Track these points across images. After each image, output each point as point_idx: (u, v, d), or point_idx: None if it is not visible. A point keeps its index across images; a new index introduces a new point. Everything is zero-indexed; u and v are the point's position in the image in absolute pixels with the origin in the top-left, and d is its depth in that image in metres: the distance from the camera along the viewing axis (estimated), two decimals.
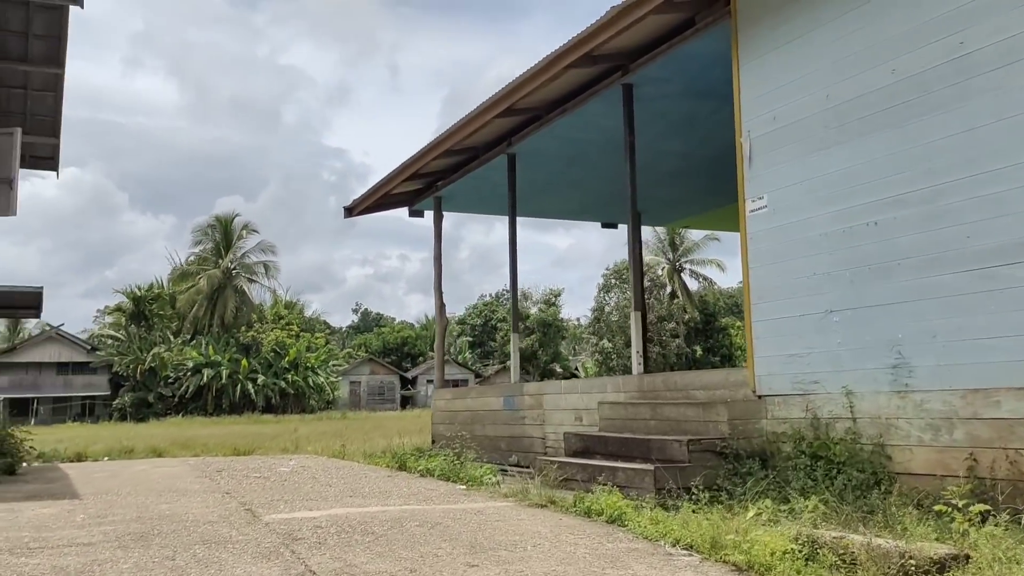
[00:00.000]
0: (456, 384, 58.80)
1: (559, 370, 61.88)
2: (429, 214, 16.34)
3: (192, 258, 60.99)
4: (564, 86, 11.42)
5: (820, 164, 7.88)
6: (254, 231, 61.31)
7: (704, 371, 9.75)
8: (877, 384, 7.20)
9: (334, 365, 61.95)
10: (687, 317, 55.65)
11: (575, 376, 61.28)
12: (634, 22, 9.05)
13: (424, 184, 15.95)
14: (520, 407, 12.42)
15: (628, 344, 48.22)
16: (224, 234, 59.97)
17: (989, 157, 6.41)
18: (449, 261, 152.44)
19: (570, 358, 68.70)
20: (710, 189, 15.11)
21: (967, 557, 4.79)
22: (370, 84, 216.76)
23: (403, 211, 16.99)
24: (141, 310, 58.98)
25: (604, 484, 7.74)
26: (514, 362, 13.41)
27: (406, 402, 67.66)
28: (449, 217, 18.63)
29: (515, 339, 13.63)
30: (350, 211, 16.43)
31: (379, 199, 15.83)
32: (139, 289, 59.91)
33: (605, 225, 18.23)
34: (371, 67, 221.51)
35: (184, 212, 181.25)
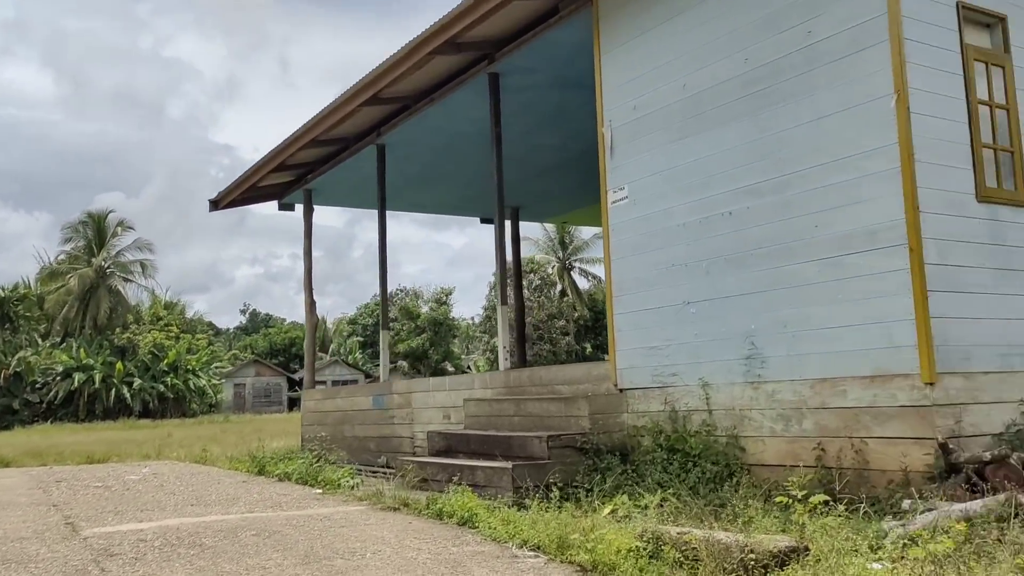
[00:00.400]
0: (346, 385, 57.58)
1: (450, 369, 61.50)
2: (300, 208, 15.70)
3: (62, 257, 57.71)
4: (432, 74, 11.07)
5: (679, 154, 7.79)
6: (130, 228, 58.42)
7: (568, 365, 9.59)
8: (732, 375, 7.15)
9: (217, 367, 59.73)
10: (577, 315, 56.15)
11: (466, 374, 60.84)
12: (497, 7, 8.79)
13: (295, 176, 15.32)
14: (389, 406, 12.02)
15: (519, 341, 48.22)
16: (97, 231, 56.94)
17: (835, 146, 6.41)
18: (343, 260, 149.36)
19: (462, 357, 68.39)
20: (586, 183, 14.97)
21: (807, 549, 4.69)
22: (260, 79, 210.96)
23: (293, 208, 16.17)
24: (5, 312, 55.40)
25: (462, 484, 7.45)
26: (383, 360, 12.99)
27: (294, 404, 65.88)
28: (343, 214, 18.07)
29: (384, 336, 13.22)
30: (215, 204, 15.64)
31: (246, 191, 15.11)
32: (3, 290, 56.28)
33: (484, 220, 17.97)
34: (261, 61, 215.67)
35: (61, 209, 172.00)
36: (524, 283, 57.61)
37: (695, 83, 7.61)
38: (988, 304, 6.10)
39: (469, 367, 67.08)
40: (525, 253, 57.19)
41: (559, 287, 58.99)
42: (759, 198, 7.00)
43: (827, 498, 5.05)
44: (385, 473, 10.59)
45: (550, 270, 59.02)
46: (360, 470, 10.83)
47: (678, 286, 7.72)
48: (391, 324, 68.66)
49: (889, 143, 6.01)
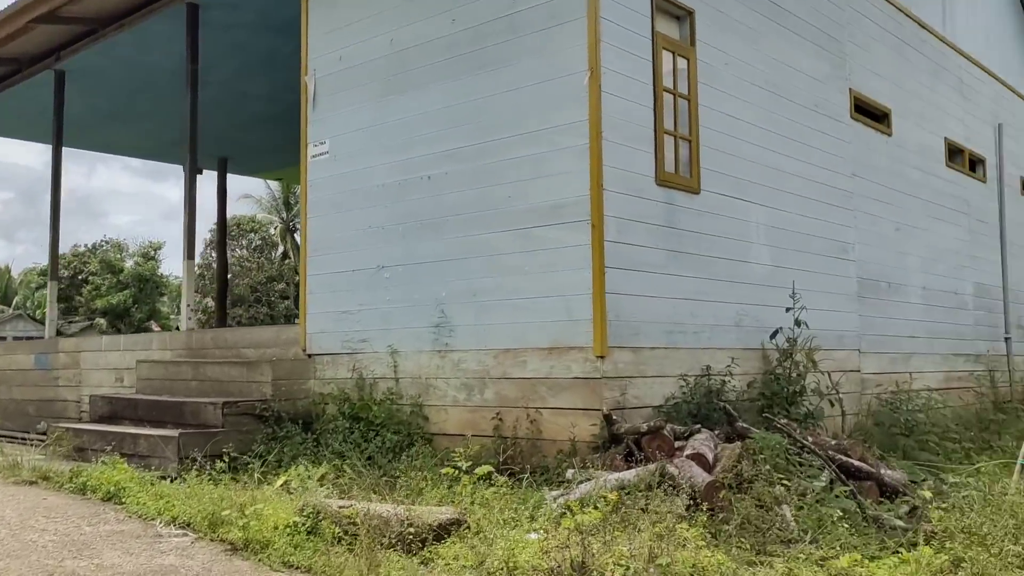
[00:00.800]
0: (30, 341, 51.50)
1: (156, 328, 57.32)
2: None
3: None
4: None
5: (383, 112, 7.47)
6: None
7: (256, 328, 9.04)
8: (421, 343, 7.00)
9: None
10: (298, 278, 54.53)
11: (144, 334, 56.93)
12: None
13: None
14: (54, 366, 10.67)
15: (235, 303, 45.96)
16: None
17: (532, 118, 6.41)
18: (39, 205, 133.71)
19: (171, 316, 64.00)
20: (299, 138, 14.28)
21: (466, 521, 4.61)
22: None
23: None
24: None
25: (118, 454, 6.68)
26: (50, 314, 11.50)
27: None
28: (43, 153, 15.71)
29: (52, 288, 11.73)
30: None
31: None
32: None
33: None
34: None
35: None
36: (244, 243, 54.91)
37: (403, 39, 7.31)
38: (658, 284, 6.40)
39: (178, 327, 63.03)
40: (247, 211, 54.48)
41: (281, 249, 56.92)
42: (458, 164, 6.86)
43: (492, 469, 5.01)
44: (40, 442, 9.37)
45: (272, 231, 56.73)
46: (7, 437, 9.50)
47: (374, 249, 7.43)
48: (92, 278, 62.80)
49: (580, 120, 6.08)
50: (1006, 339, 11.72)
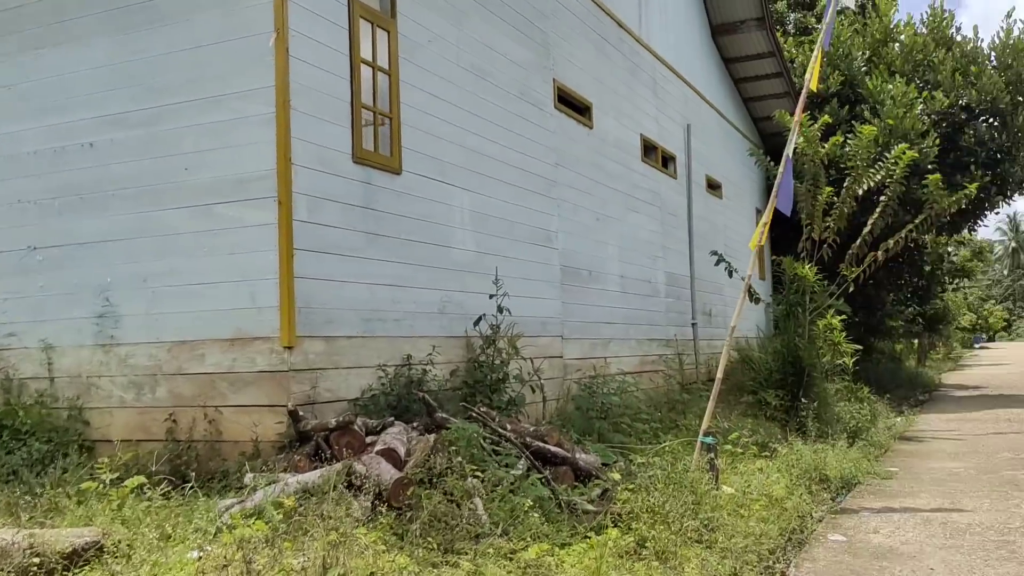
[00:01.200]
0: None
1: None
2: None
3: None
4: None
5: (35, 67, 6.40)
6: None
7: None
8: (81, 337, 6.07)
9: None
10: None
11: None
12: None
13: None
14: None
15: None
16: None
17: (212, 81, 5.73)
18: None
19: None
20: None
21: (104, 544, 3.90)
22: None
23: None
24: None
25: None
26: None
27: None
28: None
29: None
30: None
31: None
32: None
33: None
34: None
35: None
36: None
37: None
38: (355, 268, 5.98)
39: None
40: None
41: None
42: (127, 130, 6.00)
43: (144, 480, 4.32)
44: None
45: None
46: None
47: (24, 227, 6.35)
48: None
49: (266, 86, 5.50)
50: (692, 324, 12.65)
